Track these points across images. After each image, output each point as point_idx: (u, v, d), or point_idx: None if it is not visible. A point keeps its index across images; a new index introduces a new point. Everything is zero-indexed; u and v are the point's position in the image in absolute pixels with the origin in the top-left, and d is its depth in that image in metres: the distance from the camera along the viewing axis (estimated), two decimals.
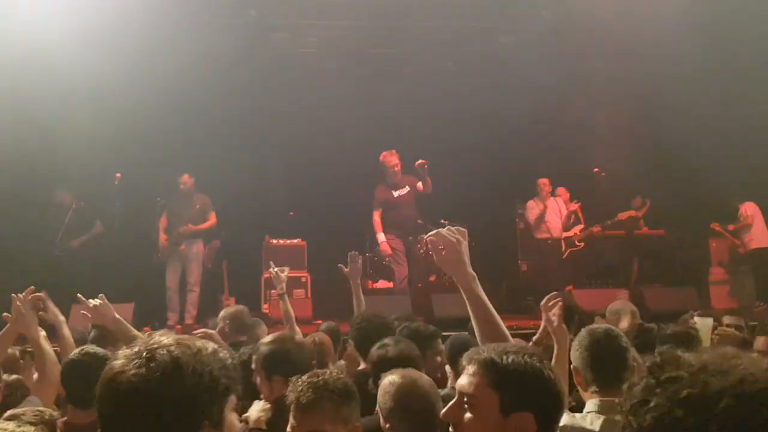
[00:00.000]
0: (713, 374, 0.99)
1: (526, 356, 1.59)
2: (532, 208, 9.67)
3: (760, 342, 4.31)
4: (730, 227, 9.44)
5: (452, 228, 2.18)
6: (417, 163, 7.83)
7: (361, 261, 5.16)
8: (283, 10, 9.48)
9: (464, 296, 2.14)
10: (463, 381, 1.62)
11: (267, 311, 8.33)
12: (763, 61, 9.04)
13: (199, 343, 1.32)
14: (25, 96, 8.08)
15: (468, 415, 1.58)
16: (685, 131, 10.48)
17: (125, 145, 8.59)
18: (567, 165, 10.31)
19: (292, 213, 9.81)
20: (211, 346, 1.33)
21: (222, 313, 4.87)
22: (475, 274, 2.16)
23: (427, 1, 9.50)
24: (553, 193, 9.70)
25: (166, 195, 8.58)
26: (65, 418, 2.72)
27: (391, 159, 7.98)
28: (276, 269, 4.88)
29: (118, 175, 8.33)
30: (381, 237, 8.19)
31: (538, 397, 1.56)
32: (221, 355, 1.33)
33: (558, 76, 10.18)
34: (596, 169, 9.12)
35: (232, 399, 1.34)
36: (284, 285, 4.86)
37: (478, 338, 2.11)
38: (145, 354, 1.26)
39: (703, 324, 3.38)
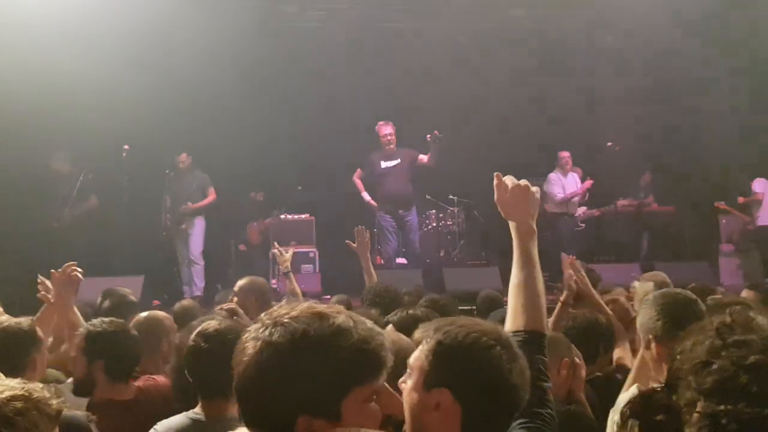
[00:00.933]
0: None
1: (473, 334, 1.49)
2: (555, 181, 9.33)
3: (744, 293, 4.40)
4: (741, 200, 9.38)
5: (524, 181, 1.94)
6: (429, 136, 7.73)
7: (368, 235, 5.01)
8: None
9: (515, 246, 1.89)
10: (415, 351, 1.56)
11: (275, 286, 8.32)
12: None
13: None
14: (36, 60, 7.93)
15: (405, 384, 1.54)
16: (696, 106, 10.47)
17: (133, 119, 8.50)
18: (578, 140, 10.23)
19: (300, 187, 9.75)
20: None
21: (242, 284, 4.24)
22: (535, 230, 1.91)
23: None
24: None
25: (172, 168, 8.57)
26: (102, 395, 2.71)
27: (384, 129, 7.96)
28: (278, 249, 4.77)
29: (126, 147, 8.22)
30: (365, 196, 8.20)
31: (464, 376, 1.46)
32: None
33: (568, 49, 10.09)
34: (609, 143, 8.96)
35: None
36: (289, 264, 4.77)
37: (510, 300, 1.88)
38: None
39: (641, 288, 3.20)
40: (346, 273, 8.40)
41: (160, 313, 3.59)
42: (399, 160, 7.89)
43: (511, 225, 1.93)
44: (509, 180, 1.95)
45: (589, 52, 10.42)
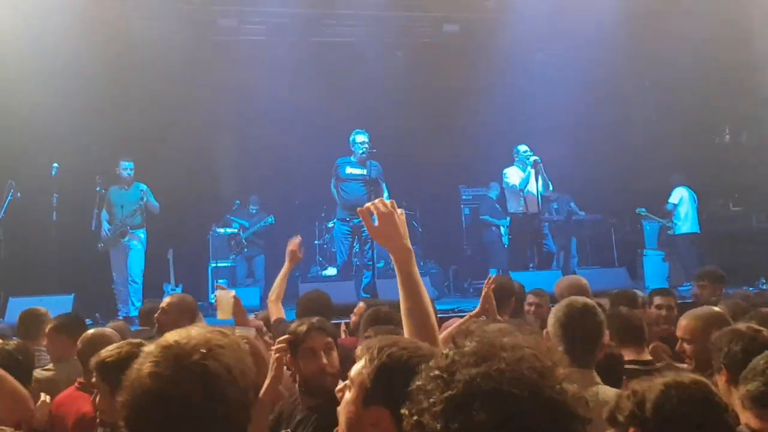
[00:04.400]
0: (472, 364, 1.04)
1: (415, 359, 1.50)
2: (512, 175, 8.82)
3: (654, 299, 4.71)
4: (662, 211, 9.87)
5: (386, 201, 1.98)
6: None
7: (301, 248, 4.46)
8: None
9: (397, 272, 1.94)
10: (356, 365, 1.63)
11: (215, 301, 8.31)
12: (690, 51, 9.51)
13: None
14: None
15: (345, 395, 1.61)
16: (623, 117, 11.01)
17: (64, 134, 8.36)
18: (510, 151, 10.56)
19: (239, 201, 9.78)
20: None
21: (172, 302, 4.10)
22: (412, 250, 1.97)
23: None
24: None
25: (105, 183, 8.25)
26: None
27: (358, 137, 7.95)
28: (221, 292, 3.91)
29: (55, 165, 8.04)
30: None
31: (400, 395, 1.48)
32: None
33: (499, 64, 10.42)
34: (534, 158, 9.14)
35: None
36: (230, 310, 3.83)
37: (404, 322, 1.94)
38: None
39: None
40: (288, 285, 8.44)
41: (108, 330, 3.55)
42: (365, 171, 7.88)
43: (389, 251, 1.98)
44: (374, 206, 1.97)
45: (521, 66, 10.77)
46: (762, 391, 1.80)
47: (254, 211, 9.92)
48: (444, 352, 1.11)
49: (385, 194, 7.97)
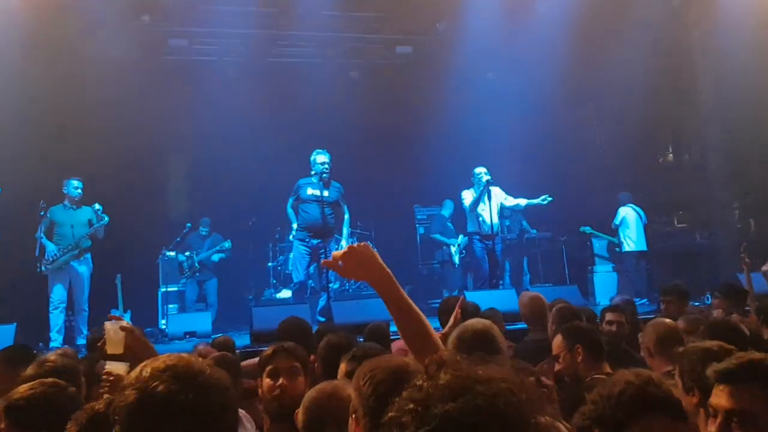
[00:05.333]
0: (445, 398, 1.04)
1: (392, 375, 1.58)
2: (467, 197, 8.78)
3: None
4: (608, 229, 10.11)
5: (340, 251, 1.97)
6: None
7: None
8: (179, 17, 9.36)
9: (385, 301, 1.92)
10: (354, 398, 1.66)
11: (165, 327, 8.12)
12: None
13: None
14: None
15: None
16: (572, 137, 11.29)
17: (6, 156, 8.08)
18: (465, 171, 10.69)
19: (190, 224, 9.58)
20: None
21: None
22: (391, 274, 1.94)
23: (326, 13, 9.64)
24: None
25: (49, 207, 7.82)
26: None
27: (320, 158, 7.77)
28: (108, 323, 2.97)
29: None
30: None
31: None
32: None
33: (451, 84, 10.59)
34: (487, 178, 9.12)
35: None
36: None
37: (406, 344, 1.91)
38: None
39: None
40: (238, 310, 8.32)
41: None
42: (327, 192, 7.75)
43: (371, 285, 1.96)
44: (334, 257, 1.96)
45: (472, 86, 10.95)
46: (735, 367, 1.83)
47: (204, 234, 9.69)
48: (417, 383, 1.09)
49: (346, 216, 7.92)
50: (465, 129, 10.80)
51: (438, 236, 10.21)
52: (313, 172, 7.70)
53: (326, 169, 7.64)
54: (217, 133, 10.12)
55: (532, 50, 10.01)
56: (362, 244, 1.97)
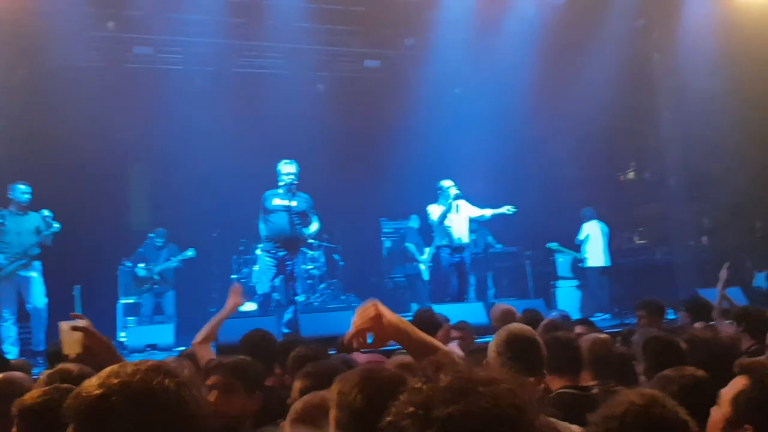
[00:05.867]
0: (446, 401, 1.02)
1: (379, 384, 1.56)
2: (434, 211, 8.66)
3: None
4: (573, 246, 10.26)
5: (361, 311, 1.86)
6: None
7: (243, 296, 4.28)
8: (144, 25, 9.24)
9: (409, 351, 1.87)
10: (330, 414, 1.63)
11: (125, 339, 7.91)
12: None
13: None
14: None
15: None
16: (536, 153, 11.47)
17: None
18: (432, 185, 10.74)
19: (164, 231, 9.36)
20: None
21: None
22: (405, 322, 1.87)
23: (295, 24, 9.63)
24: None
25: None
26: None
27: (286, 168, 7.63)
28: (63, 323, 2.88)
29: None
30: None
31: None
32: None
33: (419, 98, 10.66)
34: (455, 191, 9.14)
35: None
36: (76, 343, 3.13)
37: None
38: None
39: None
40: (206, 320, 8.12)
41: (17, 373, 3.23)
42: (295, 203, 7.58)
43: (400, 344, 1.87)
44: (356, 330, 1.82)
45: (439, 101, 11.04)
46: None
47: (160, 244, 9.32)
48: (416, 386, 1.07)
49: (317, 225, 7.77)
50: (432, 143, 10.85)
51: (411, 246, 10.18)
52: (280, 183, 7.58)
53: (293, 179, 7.51)
54: (181, 143, 9.95)
55: (498, 67, 10.16)
56: (373, 305, 1.83)
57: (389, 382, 1.58)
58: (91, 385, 1.27)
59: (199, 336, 3.78)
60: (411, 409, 1.02)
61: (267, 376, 3.69)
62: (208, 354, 3.74)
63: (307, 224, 7.64)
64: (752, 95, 9.25)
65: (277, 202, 7.47)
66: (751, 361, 2.07)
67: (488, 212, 8.82)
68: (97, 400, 1.24)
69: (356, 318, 1.83)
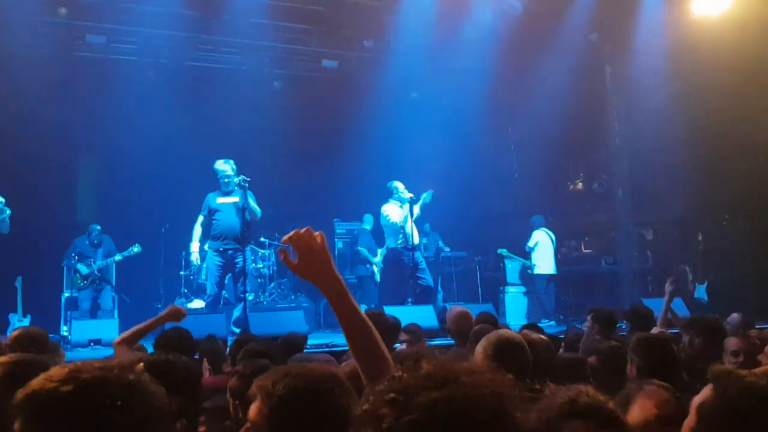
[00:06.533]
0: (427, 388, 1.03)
1: (303, 380, 1.49)
2: (392, 212, 8.47)
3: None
4: (522, 252, 10.45)
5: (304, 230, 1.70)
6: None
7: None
8: (98, 13, 9.01)
9: (336, 309, 1.69)
10: (252, 406, 1.55)
11: (68, 334, 7.70)
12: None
13: None
14: None
15: None
16: (489, 161, 11.64)
17: None
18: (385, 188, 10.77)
19: (99, 227, 9.14)
20: None
21: (18, 336, 3.85)
22: (341, 278, 1.70)
23: (253, 20, 9.54)
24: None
25: None
26: None
27: (223, 167, 7.57)
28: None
29: None
30: (193, 246, 7.82)
31: (306, 426, 1.48)
32: None
33: (376, 101, 10.69)
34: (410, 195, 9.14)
35: None
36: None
37: (355, 360, 1.71)
38: None
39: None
40: (145, 318, 7.95)
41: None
42: (237, 198, 7.42)
43: (320, 288, 1.70)
44: (294, 236, 1.70)
45: (396, 104, 11.09)
46: None
47: (96, 241, 9.04)
48: (395, 375, 1.06)
49: (258, 211, 7.60)
50: (386, 146, 10.90)
51: (364, 250, 10.19)
52: (222, 181, 7.50)
53: (233, 176, 7.47)
54: (131, 135, 9.76)
55: (455, 74, 10.30)
56: (319, 234, 1.70)
57: (310, 380, 1.55)
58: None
59: (121, 337, 3.62)
60: (391, 395, 1.01)
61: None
62: (124, 355, 3.63)
63: (252, 217, 7.52)
64: (700, 111, 9.59)
65: (222, 200, 7.44)
66: (721, 369, 2.05)
67: (417, 209, 8.69)
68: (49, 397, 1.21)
69: (295, 232, 1.70)
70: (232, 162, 7.64)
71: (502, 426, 0.99)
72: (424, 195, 8.41)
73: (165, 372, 2.50)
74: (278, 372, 1.59)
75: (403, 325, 5.21)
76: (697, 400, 1.83)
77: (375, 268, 10.07)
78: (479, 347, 2.80)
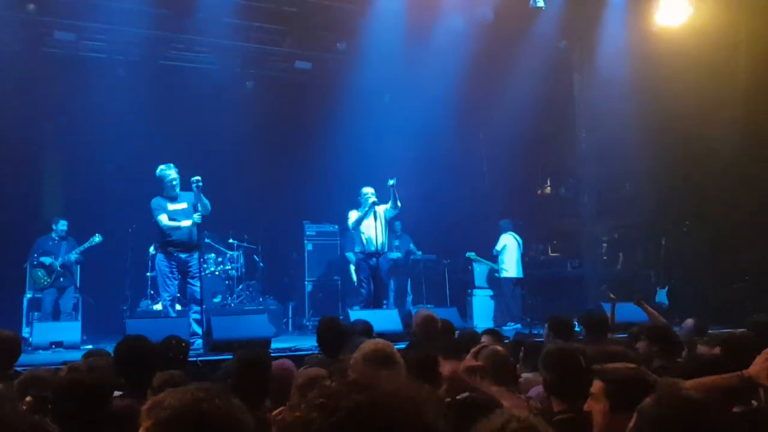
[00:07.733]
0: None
1: (188, 399, 1.44)
2: (352, 217, 8.72)
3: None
4: (490, 256, 10.56)
5: None
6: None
7: None
8: (67, 9, 8.91)
9: None
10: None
11: (29, 336, 7.58)
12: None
13: None
14: None
15: None
16: (460, 165, 11.74)
17: None
18: (357, 190, 10.80)
19: (66, 222, 8.98)
20: None
21: None
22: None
23: (226, 20, 9.52)
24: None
25: None
26: None
27: (168, 173, 7.47)
28: None
29: None
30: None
31: None
32: None
33: (348, 103, 10.71)
34: (373, 199, 9.09)
35: None
36: None
37: None
38: None
39: None
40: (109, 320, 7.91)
41: None
42: (184, 203, 7.38)
43: None
44: None
45: (368, 107, 11.12)
46: None
47: (56, 238, 8.89)
48: (325, 383, 1.18)
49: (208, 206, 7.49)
50: (358, 148, 10.92)
51: (351, 255, 10.01)
52: (169, 186, 7.36)
53: (177, 181, 7.37)
54: (99, 134, 9.64)
55: (428, 77, 10.34)
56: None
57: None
58: None
59: None
60: (321, 400, 1.10)
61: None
62: None
63: (204, 212, 7.39)
64: (662, 119, 9.81)
65: (173, 207, 7.33)
66: (667, 380, 2.28)
67: (388, 205, 8.71)
68: None
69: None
70: (173, 166, 7.52)
71: (416, 425, 1.09)
72: (390, 181, 8.50)
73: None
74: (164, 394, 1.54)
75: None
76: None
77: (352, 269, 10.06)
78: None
